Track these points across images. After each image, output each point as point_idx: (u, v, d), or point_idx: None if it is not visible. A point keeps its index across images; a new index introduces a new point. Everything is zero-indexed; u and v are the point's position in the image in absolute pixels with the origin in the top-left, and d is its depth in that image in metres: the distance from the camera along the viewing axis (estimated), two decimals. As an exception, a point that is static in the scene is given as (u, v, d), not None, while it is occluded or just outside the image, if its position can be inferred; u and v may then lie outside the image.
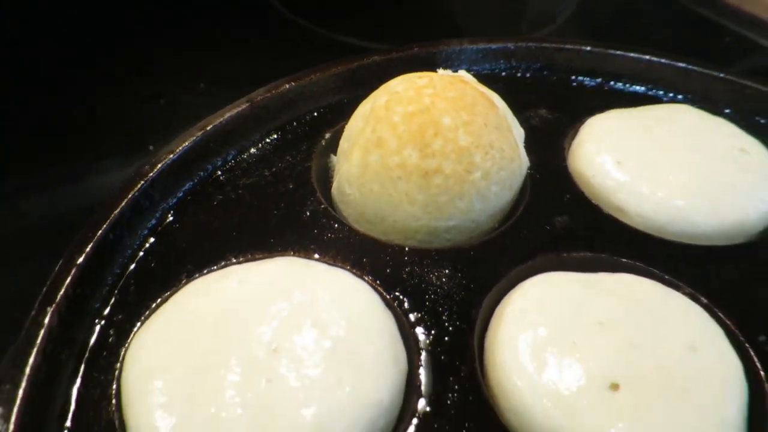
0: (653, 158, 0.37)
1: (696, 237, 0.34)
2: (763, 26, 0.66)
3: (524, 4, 0.79)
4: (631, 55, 0.44)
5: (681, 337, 0.28)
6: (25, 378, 0.24)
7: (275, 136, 0.39)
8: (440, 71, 0.38)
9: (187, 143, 0.35)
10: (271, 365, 0.26)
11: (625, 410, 0.25)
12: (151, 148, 0.48)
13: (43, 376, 0.25)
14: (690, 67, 0.43)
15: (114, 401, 0.26)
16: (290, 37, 0.68)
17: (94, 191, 0.50)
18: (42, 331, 0.26)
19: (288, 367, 0.26)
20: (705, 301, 0.31)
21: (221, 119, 0.37)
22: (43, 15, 0.67)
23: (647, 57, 0.43)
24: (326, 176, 0.38)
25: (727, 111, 0.42)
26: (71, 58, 0.65)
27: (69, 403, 0.26)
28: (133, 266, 0.31)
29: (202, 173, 0.36)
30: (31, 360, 0.25)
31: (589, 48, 0.44)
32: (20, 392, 0.24)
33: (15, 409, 0.23)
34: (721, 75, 0.42)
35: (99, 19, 0.70)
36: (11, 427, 0.22)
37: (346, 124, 0.38)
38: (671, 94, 0.44)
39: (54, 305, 0.26)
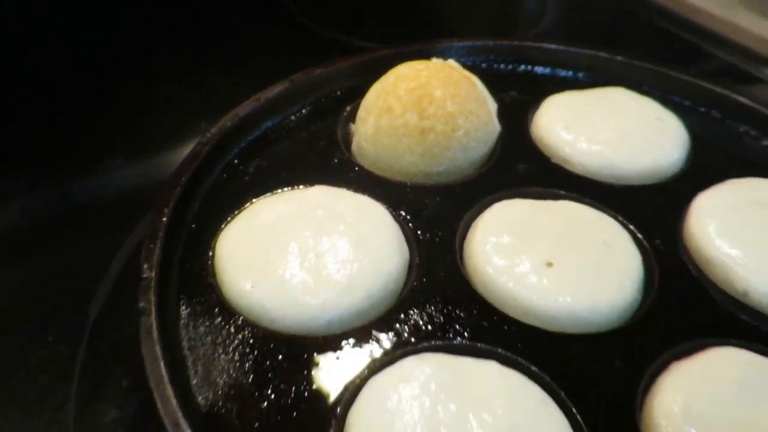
0: (592, 123, 0.49)
1: (621, 179, 0.46)
2: (707, 35, 0.79)
3: (516, 9, 0.91)
4: (584, 51, 0.56)
5: (598, 236, 0.40)
6: (156, 254, 0.35)
7: (309, 108, 0.51)
8: (434, 59, 0.50)
9: (246, 110, 0.47)
10: (318, 247, 0.37)
11: (556, 278, 0.37)
12: (203, 125, 0.60)
13: (164, 257, 0.36)
14: (626, 60, 0.55)
15: (210, 272, 0.38)
16: (300, 37, 0.79)
17: (148, 173, 0.61)
18: (163, 225, 0.37)
19: (328, 248, 0.37)
20: (621, 219, 0.43)
21: (269, 94, 0.49)
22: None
23: (594, 52, 0.56)
24: (347, 139, 0.50)
25: (657, 93, 0.55)
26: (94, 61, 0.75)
27: (181, 273, 0.37)
28: (213, 193, 0.43)
29: (257, 132, 0.48)
30: (159, 242, 0.36)
31: (548, 46, 0.56)
32: (155, 258, 0.35)
33: (153, 272, 0.34)
34: (651, 66, 0.55)
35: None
36: (154, 278, 0.34)
37: (362, 99, 0.50)
38: (612, 81, 0.56)
39: (169, 206, 0.38)
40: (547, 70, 0.56)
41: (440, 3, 0.87)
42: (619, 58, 0.54)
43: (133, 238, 0.46)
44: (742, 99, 0.51)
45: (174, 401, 0.29)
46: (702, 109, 0.52)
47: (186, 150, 0.45)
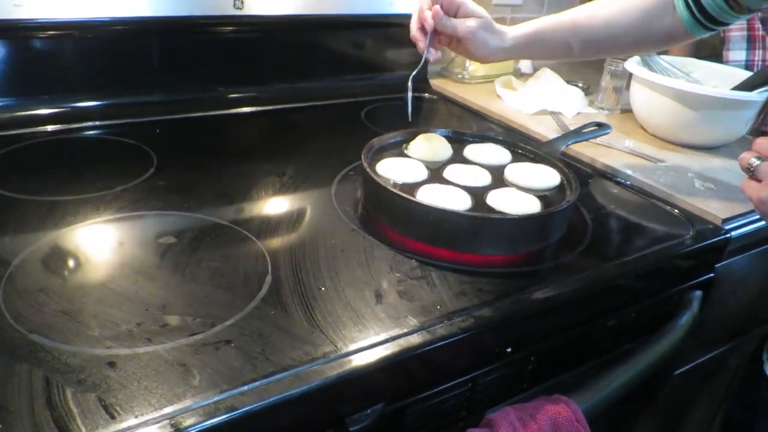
0: (482, 152, 1.52)
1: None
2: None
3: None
4: (478, 134, 1.61)
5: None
6: (365, 159, 1.33)
7: (394, 142, 1.52)
8: (431, 131, 1.54)
9: (378, 139, 1.47)
10: (403, 163, 1.37)
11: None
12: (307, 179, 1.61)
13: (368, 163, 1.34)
14: (488, 135, 1.59)
15: (376, 170, 1.35)
16: (368, 134, 1.80)
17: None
18: (365, 154, 1.35)
19: (411, 167, 1.37)
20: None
21: (390, 134, 1.50)
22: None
23: (480, 133, 1.60)
24: (405, 151, 1.51)
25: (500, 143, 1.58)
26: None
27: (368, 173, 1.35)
28: (371, 153, 1.42)
29: (379, 144, 1.48)
30: (365, 156, 1.34)
31: (464, 131, 1.61)
32: (365, 159, 1.32)
33: (366, 160, 1.32)
34: (497, 137, 1.59)
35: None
36: (365, 156, 1.31)
37: (411, 142, 1.52)
38: (484, 140, 1.60)
39: (364, 154, 1.36)
40: (473, 138, 1.60)
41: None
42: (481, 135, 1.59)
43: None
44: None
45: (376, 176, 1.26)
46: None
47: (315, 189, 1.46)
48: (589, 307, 1.11)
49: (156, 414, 0.70)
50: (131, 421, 0.69)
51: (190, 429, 0.69)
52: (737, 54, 2.03)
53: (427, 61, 1.25)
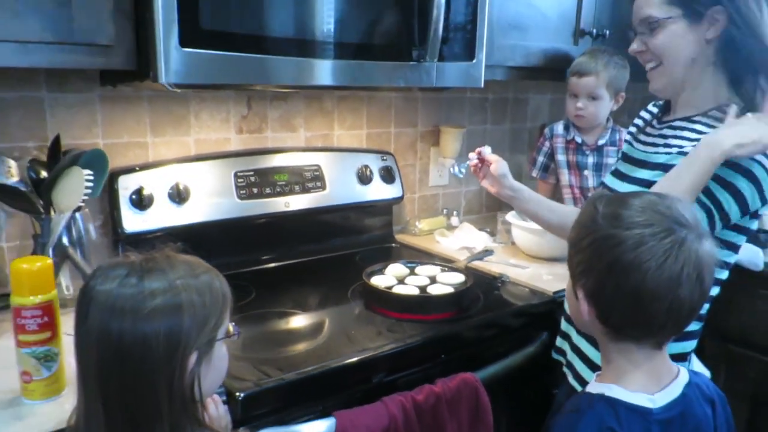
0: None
1: (429, 275, 2.77)
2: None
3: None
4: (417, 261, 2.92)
5: (423, 278, 2.69)
6: (366, 275, 2.59)
7: (379, 268, 2.81)
8: (396, 263, 2.85)
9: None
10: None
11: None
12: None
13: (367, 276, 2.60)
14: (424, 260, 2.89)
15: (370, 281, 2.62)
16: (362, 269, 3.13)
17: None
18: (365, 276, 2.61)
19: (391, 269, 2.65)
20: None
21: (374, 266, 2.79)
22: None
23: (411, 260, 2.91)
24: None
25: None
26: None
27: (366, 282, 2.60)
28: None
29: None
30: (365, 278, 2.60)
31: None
32: (366, 274, 2.59)
33: (367, 276, 2.58)
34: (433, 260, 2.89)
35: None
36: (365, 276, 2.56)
37: (386, 269, 2.82)
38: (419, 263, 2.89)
39: (364, 274, 2.62)
40: (420, 263, 2.91)
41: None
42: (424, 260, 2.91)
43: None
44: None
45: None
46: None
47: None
48: (485, 336, 2.39)
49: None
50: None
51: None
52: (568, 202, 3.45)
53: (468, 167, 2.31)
